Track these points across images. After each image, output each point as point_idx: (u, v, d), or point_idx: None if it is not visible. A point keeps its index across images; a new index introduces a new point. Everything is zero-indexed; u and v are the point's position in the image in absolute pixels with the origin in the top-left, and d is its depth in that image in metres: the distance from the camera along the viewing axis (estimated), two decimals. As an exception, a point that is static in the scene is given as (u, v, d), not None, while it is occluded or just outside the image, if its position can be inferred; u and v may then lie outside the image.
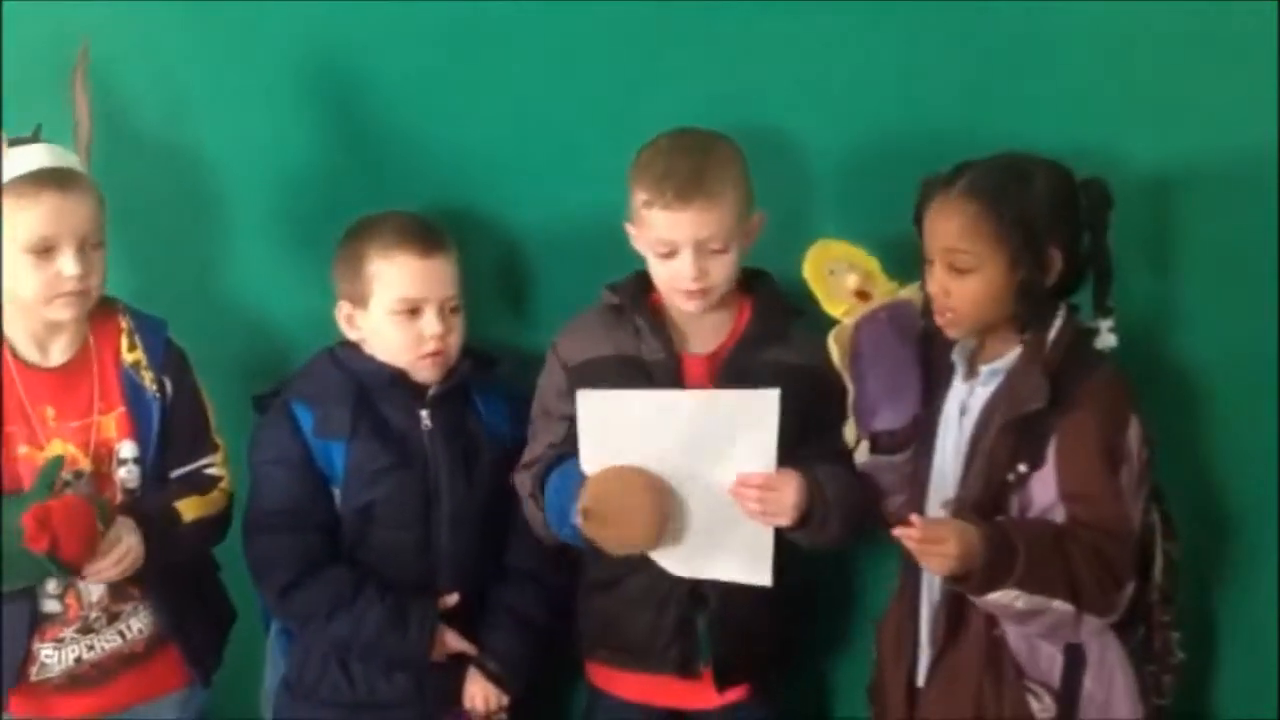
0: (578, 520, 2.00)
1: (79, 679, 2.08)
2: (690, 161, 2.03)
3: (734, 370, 2.10)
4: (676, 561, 2.07)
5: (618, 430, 2.03)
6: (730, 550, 2.05)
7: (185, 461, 2.13)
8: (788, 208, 2.22)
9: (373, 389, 2.17)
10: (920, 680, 2.01)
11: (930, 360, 2.04)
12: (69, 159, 2.04)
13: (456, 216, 2.29)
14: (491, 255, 2.35)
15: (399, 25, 2.28)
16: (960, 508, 1.90)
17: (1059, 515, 1.86)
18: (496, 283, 2.37)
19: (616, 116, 2.25)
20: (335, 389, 2.16)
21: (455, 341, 2.18)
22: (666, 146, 2.07)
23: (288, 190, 2.35)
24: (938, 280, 1.94)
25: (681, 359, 2.12)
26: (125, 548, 1.97)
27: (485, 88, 2.30)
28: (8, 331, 2.04)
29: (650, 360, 2.11)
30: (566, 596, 2.24)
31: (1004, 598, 1.80)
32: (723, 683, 2.14)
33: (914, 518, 1.82)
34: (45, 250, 1.97)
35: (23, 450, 2.01)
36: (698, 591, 2.10)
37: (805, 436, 2.06)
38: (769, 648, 2.19)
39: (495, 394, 2.26)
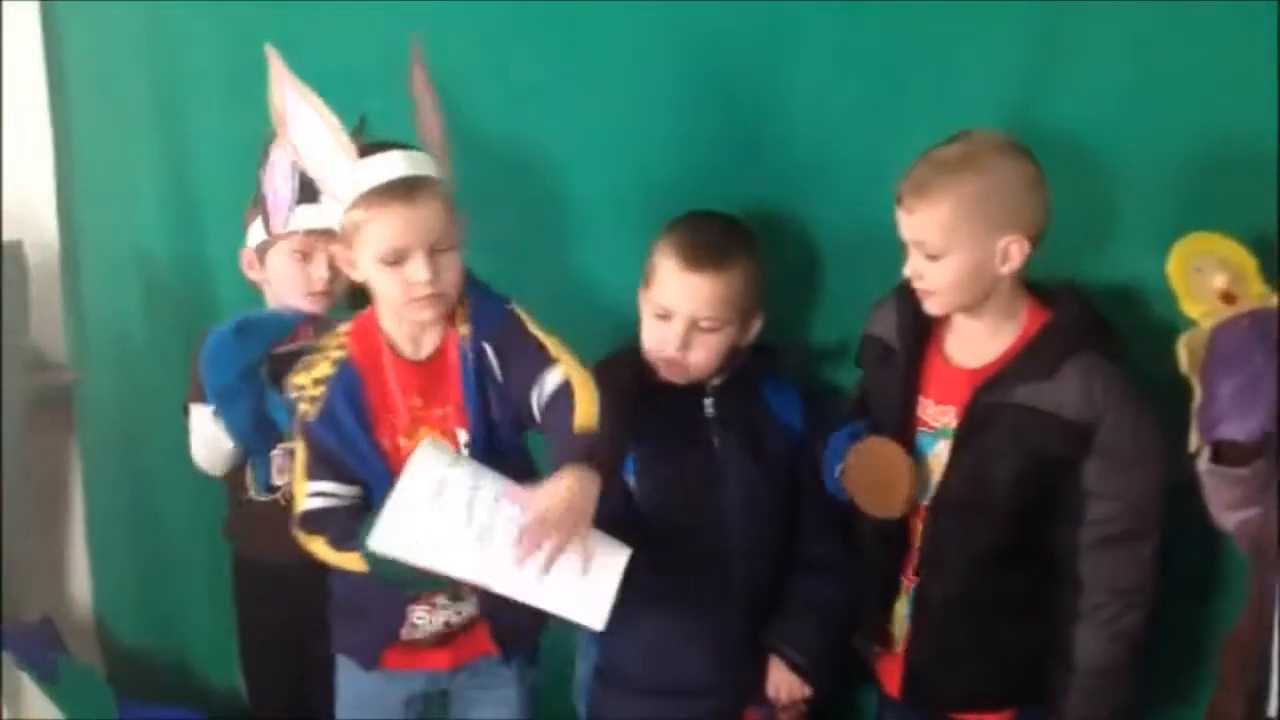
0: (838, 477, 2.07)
1: (443, 637, 2.15)
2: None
3: (981, 408, 1.99)
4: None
5: (438, 490, 1.89)
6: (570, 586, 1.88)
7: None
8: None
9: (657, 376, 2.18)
10: (1272, 710, 1.89)
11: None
12: (422, 163, 2.01)
13: (766, 211, 2.26)
14: (791, 250, 2.31)
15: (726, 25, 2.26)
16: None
17: None
18: (797, 276, 2.33)
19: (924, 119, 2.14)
20: (629, 373, 2.16)
21: (701, 360, 2.15)
22: None
23: (626, 184, 2.36)
24: None
25: (925, 360, 2.08)
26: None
27: (804, 91, 2.27)
28: (386, 328, 2.08)
29: (897, 349, 2.09)
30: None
31: None
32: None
33: None
34: (395, 260, 1.98)
35: (402, 443, 2.05)
36: None
37: (1039, 495, 1.99)
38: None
39: (785, 385, 2.25)
